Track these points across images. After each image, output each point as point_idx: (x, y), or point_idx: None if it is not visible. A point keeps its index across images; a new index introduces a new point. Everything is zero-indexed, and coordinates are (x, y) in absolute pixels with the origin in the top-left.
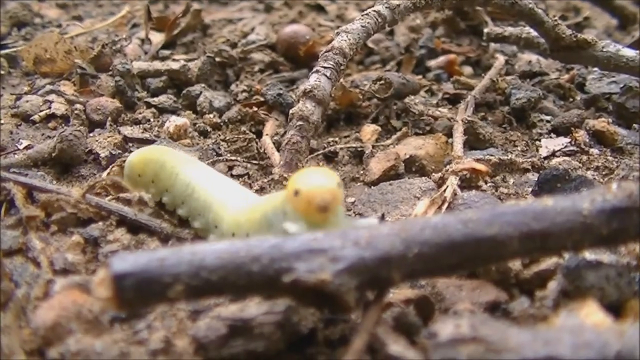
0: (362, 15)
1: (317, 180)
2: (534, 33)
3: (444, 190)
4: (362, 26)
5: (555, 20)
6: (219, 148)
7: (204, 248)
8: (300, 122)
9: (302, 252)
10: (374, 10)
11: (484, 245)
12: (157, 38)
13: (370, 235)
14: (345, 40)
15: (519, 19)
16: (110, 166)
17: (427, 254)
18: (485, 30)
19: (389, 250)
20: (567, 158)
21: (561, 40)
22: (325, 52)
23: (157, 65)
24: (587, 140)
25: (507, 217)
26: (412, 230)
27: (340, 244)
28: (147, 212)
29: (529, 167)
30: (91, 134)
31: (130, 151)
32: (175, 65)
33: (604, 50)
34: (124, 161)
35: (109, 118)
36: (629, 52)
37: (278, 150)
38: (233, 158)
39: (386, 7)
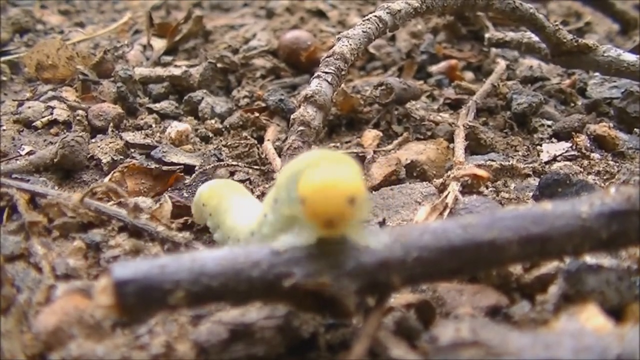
0: (363, 21)
1: (325, 189)
2: (535, 38)
3: (446, 197)
4: (364, 32)
5: (557, 25)
6: (220, 153)
7: (203, 255)
8: (301, 128)
9: (301, 258)
10: (375, 16)
11: (484, 249)
12: (159, 44)
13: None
14: (347, 46)
15: (520, 24)
16: (112, 172)
17: (426, 259)
18: (487, 35)
19: (388, 255)
20: (568, 163)
21: (562, 45)
22: (327, 57)
23: (159, 71)
24: (588, 145)
25: (506, 221)
26: (412, 235)
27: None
28: (144, 217)
29: (530, 172)
30: (93, 140)
31: (132, 157)
32: (177, 71)
33: (605, 55)
34: (126, 167)
35: (111, 124)
36: (630, 57)
37: (279, 156)
38: (234, 163)
39: (387, 13)
